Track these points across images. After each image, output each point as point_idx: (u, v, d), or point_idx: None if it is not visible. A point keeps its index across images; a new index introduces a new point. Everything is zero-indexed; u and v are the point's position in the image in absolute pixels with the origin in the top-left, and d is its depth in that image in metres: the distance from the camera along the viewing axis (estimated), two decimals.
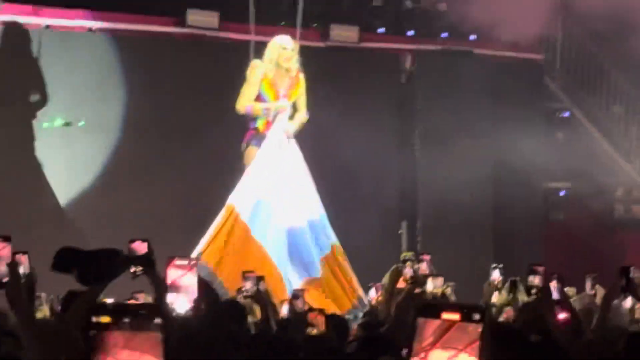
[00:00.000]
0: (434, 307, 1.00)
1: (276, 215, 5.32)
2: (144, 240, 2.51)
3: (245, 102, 5.40)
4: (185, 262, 2.54)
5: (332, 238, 5.42)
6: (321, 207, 5.41)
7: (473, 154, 7.04)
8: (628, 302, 4.46)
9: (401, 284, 4.32)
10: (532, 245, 6.95)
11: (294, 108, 5.48)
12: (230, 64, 6.37)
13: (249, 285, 3.94)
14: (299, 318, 3.67)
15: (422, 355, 0.97)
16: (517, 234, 7.12)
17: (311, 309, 3.81)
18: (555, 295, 3.21)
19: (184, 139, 6.67)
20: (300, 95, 5.48)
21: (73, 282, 2.25)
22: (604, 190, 7.25)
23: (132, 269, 2.44)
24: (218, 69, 6.67)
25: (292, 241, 5.35)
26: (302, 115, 5.48)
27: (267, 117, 5.37)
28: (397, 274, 4.54)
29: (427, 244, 6.69)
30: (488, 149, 7.17)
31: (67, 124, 6.29)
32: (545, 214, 7.45)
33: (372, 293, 5.16)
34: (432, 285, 4.68)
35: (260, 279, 4.08)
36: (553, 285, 3.40)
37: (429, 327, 0.98)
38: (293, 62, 5.41)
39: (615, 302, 3.66)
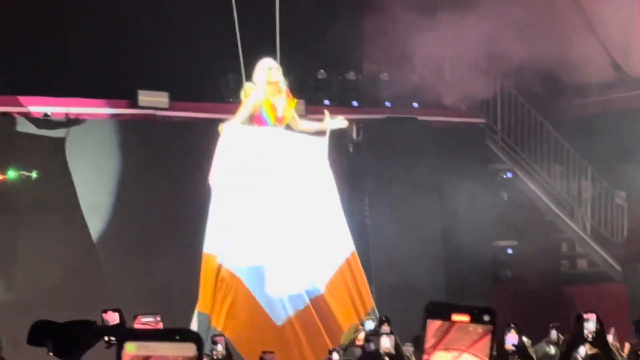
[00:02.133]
0: (444, 307, 0.99)
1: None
2: (115, 310, 2.61)
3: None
4: (151, 319, 2.57)
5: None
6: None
7: (422, 216, 7.33)
8: (581, 350, 4.56)
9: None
10: (482, 302, 7.22)
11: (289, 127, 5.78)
12: (182, 141, 6.61)
13: (219, 349, 4.08)
14: None
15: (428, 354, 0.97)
16: (467, 291, 7.37)
17: None
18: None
19: (142, 216, 6.91)
20: (293, 114, 5.82)
21: None
22: (549, 247, 7.55)
23: (107, 338, 2.49)
24: (171, 147, 6.94)
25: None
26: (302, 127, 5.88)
27: None
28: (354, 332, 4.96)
29: (382, 306, 6.91)
30: (436, 211, 7.49)
31: None
32: (493, 271, 7.71)
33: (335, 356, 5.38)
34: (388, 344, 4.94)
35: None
36: (512, 335, 3.54)
37: (437, 329, 0.98)
38: (279, 75, 5.66)
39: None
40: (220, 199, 5.67)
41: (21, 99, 6.75)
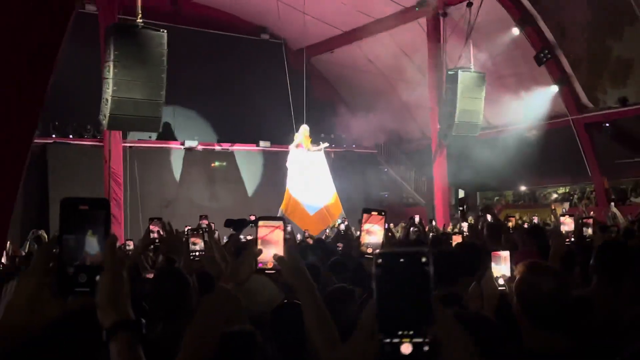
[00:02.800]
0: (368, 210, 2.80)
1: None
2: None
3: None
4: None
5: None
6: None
7: (370, 182, 20.57)
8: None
9: None
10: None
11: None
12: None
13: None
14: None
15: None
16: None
17: None
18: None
19: None
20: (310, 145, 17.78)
21: None
22: (401, 195, 21.45)
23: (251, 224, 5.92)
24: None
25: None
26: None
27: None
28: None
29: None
30: (364, 183, 20.84)
31: None
32: (382, 199, 21.19)
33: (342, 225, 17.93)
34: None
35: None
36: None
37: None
38: (308, 131, 16.91)
39: None
40: (291, 172, 18.11)
41: None
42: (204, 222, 6.79)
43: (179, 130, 18.56)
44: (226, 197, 18.27)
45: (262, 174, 19.25)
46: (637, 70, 15.15)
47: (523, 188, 20.75)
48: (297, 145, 16.23)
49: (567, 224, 6.09)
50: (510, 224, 8.93)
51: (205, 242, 3.78)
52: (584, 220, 5.89)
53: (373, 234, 2.71)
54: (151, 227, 4.44)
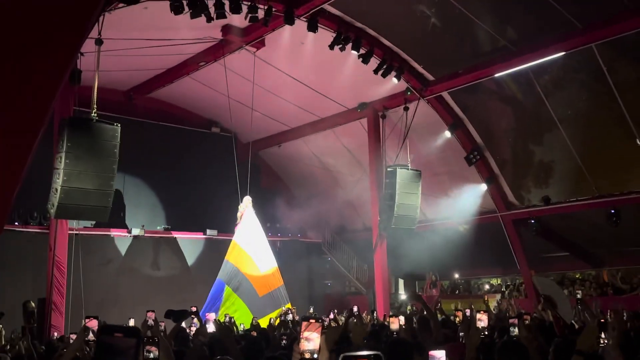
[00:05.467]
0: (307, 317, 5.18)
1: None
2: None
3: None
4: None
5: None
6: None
7: (314, 270, 20.98)
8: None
9: None
10: (320, 301, 20.86)
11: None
12: None
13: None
14: None
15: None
16: (316, 296, 20.92)
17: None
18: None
19: None
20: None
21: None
22: (343, 281, 21.96)
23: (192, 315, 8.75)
24: None
25: None
26: None
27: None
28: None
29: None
30: (307, 268, 21.27)
31: None
32: (323, 287, 21.58)
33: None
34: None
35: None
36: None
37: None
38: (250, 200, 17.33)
39: None
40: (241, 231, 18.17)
41: None
42: (151, 316, 7.00)
43: (127, 218, 18.85)
44: (170, 284, 18.40)
45: (207, 261, 19.54)
46: (557, 173, 16.58)
47: (457, 276, 21.64)
48: (241, 215, 16.40)
49: (483, 320, 6.78)
50: (457, 319, 9.45)
51: (159, 346, 3.88)
52: (510, 321, 6.43)
53: (311, 340, 3.04)
54: (87, 324, 4.56)
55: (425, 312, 7.12)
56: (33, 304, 12.32)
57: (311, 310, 15.70)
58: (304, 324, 3.08)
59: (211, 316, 9.67)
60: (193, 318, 8.59)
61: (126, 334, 1.57)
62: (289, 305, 14.87)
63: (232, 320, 13.47)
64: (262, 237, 15.83)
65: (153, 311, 7.37)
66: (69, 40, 3.29)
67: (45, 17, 3.18)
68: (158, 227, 19.39)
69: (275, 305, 15.04)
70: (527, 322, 6.99)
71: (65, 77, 3.42)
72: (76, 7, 3.32)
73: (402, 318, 11.50)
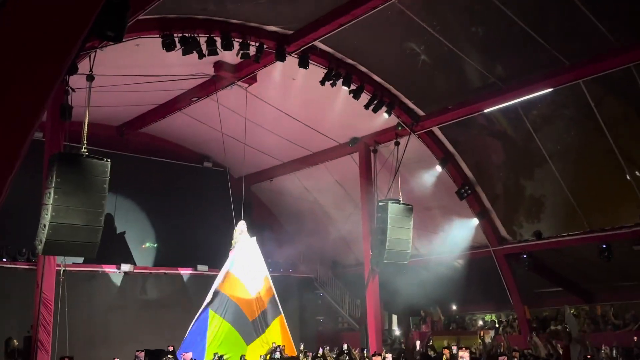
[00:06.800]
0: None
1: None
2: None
3: None
4: None
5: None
6: None
7: (305, 304, 20.74)
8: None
9: None
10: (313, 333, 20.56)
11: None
12: None
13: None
14: None
15: None
16: (308, 331, 20.62)
17: None
18: None
19: None
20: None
21: None
22: (335, 318, 21.69)
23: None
24: None
25: None
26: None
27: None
28: None
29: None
30: (298, 303, 21.02)
31: None
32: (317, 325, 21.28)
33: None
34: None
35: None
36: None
37: None
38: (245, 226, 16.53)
39: None
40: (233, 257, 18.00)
41: None
42: (140, 355, 6.94)
43: (117, 253, 18.66)
44: (160, 321, 18.13)
45: (198, 298, 19.28)
46: (548, 208, 16.61)
47: (450, 309, 21.45)
48: (235, 243, 16.13)
49: (464, 357, 6.73)
50: (444, 357, 9.37)
51: None
52: (500, 358, 6.40)
53: None
54: None
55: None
56: (16, 342, 12.10)
57: (302, 347, 15.45)
58: None
59: (188, 356, 9.48)
60: (170, 358, 8.46)
61: None
62: (278, 342, 14.65)
63: (223, 358, 13.27)
64: (255, 258, 15.58)
65: (143, 351, 7.26)
66: (48, 71, 3.28)
67: (24, 48, 3.17)
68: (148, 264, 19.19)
69: (269, 320, 14.91)
70: (515, 359, 6.94)
71: (43, 111, 3.41)
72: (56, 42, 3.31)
73: (388, 356, 11.36)
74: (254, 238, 15.81)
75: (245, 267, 15.30)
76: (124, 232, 18.96)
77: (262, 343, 14.63)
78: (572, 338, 6.31)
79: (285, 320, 15.24)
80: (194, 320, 14.33)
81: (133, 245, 19.21)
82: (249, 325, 14.58)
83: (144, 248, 19.36)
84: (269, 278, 15.55)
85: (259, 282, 15.34)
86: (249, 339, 14.51)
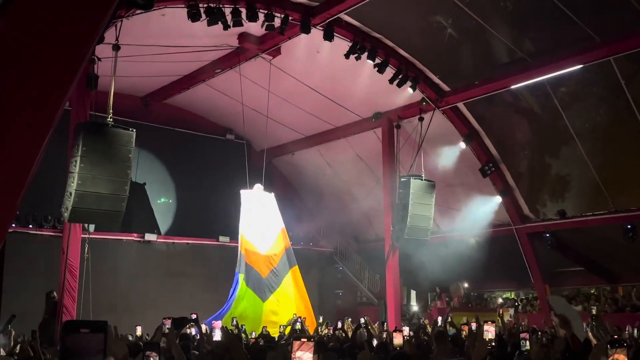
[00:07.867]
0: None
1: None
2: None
3: None
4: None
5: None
6: None
7: (325, 277, 20.90)
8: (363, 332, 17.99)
9: None
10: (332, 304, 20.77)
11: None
12: None
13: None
14: None
15: None
16: (328, 304, 20.82)
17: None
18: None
19: None
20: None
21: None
22: (354, 292, 21.78)
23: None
24: None
25: None
26: None
27: None
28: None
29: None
30: (318, 279, 21.19)
31: None
32: (337, 299, 21.42)
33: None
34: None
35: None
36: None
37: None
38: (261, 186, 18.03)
39: None
40: (243, 215, 17.67)
41: None
42: (167, 322, 6.99)
43: (140, 223, 18.89)
44: (182, 290, 18.38)
45: (219, 268, 19.52)
46: (573, 187, 16.39)
47: (466, 286, 21.42)
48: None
49: (490, 332, 6.68)
50: (463, 334, 9.29)
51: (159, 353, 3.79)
52: (521, 335, 6.31)
53: None
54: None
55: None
56: (55, 294, 12.31)
57: (320, 320, 15.60)
58: (296, 343, 2.97)
59: (218, 324, 9.66)
60: (192, 325, 8.56)
61: (93, 330, 1.52)
62: (298, 313, 14.84)
63: (243, 327, 13.44)
64: (269, 213, 15.86)
65: (170, 318, 7.36)
66: (80, 44, 3.27)
67: (57, 18, 3.16)
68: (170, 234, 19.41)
69: (281, 275, 15.32)
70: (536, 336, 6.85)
71: (75, 81, 3.40)
72: (89, 10, 3.29)
73: (406, 329, 11.34)
74: (272, 194, 16.00)
75: (252, 226, 15.53)
76: (144, 184, 19.06)
77: (277, 298, 15.03)
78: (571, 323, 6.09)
79: (299, 271, 15.56)
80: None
81: (157, 215, 19.43)
82: (263, 283, 14.89)
83: (159, 203, 19.65)
84: (285, 230, 15.96)
85: (270, 238, 15.57)
86: (264, 296, 14.84)
